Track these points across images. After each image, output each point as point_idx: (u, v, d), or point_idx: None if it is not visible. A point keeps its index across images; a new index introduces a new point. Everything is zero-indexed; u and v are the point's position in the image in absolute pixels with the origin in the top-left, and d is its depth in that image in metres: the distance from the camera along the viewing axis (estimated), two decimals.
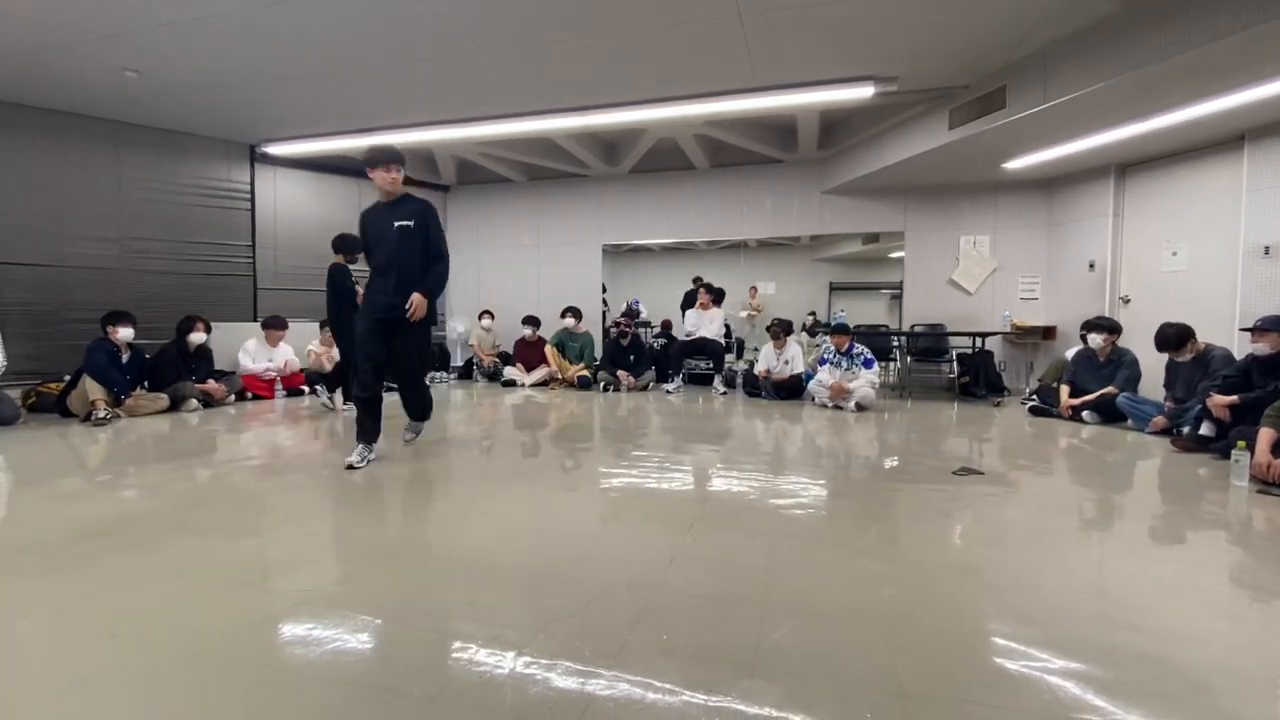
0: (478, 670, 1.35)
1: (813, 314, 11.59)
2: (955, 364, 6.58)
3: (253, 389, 5.69)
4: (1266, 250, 4.56)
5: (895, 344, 7.29)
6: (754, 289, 10.60)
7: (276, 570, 1.92)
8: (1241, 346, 4.22)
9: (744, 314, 10.54)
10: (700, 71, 4.60)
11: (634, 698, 1.26)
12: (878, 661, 1.40)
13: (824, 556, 2.05)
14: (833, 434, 4.31)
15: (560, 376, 6.94)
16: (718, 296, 7.23)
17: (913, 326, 6.87)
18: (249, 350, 5.79)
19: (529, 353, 7.19)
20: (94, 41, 4.14)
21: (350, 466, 3.12)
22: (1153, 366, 4.65)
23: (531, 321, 7.19)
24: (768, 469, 3.26)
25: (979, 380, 6.06)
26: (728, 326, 9.75)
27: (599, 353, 7.32)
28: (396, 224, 3.30)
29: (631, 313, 8.12)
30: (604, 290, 8.38)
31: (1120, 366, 4.72)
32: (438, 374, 7.45)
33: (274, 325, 5.90)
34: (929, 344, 6.88)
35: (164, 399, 4.91)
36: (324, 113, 5.55)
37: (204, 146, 6.22)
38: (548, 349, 7.08)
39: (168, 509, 2.51)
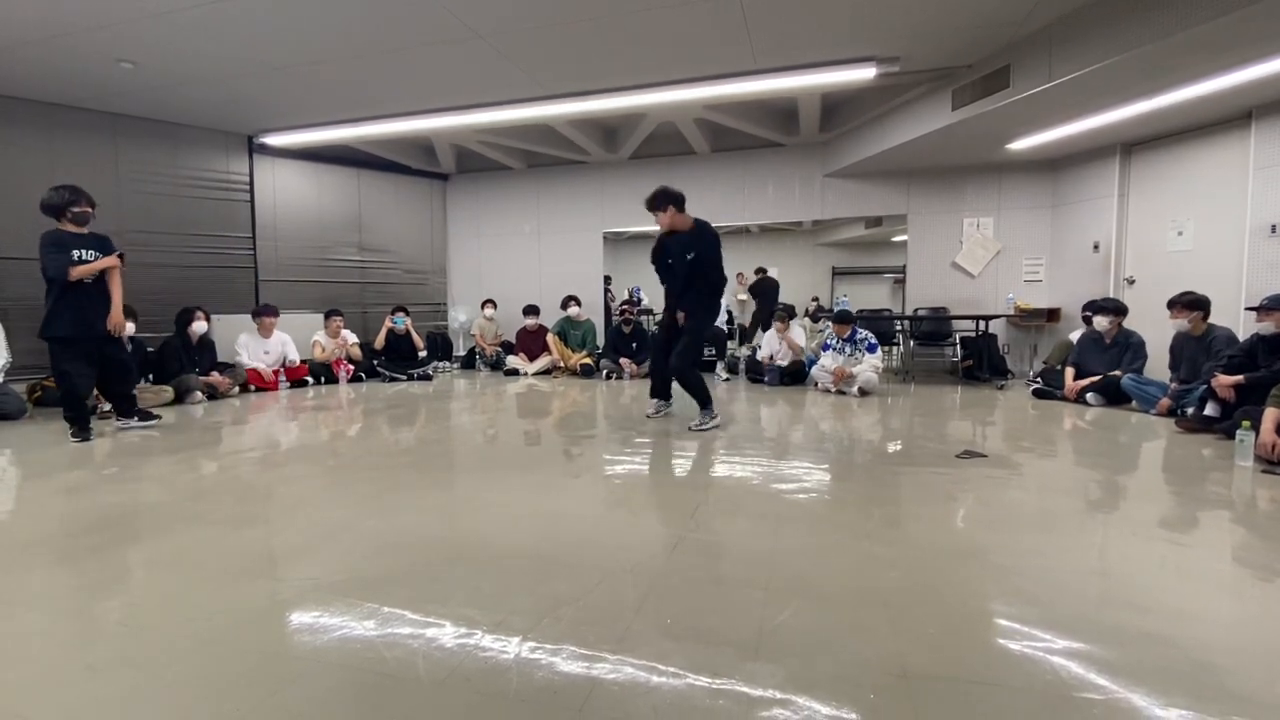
0: (483, 655, 1.36)
1: (815, 299, 11.55)
2: (958, 347, 6.56)
3: (256, 383, 5.70)
4: (1273, 229, 4.52)
5: (898, 328, 7.26)
6: (740, 275, 10.54)
7: (283, 559, 1.94)
8: (1247, 326, 4.20)
9: (741, 297, 10.49)
10: (700, 54, 4.54)
11: (638, 681, 1.27)
12: (881, 643, 1.41)
13: (827, 540, 2.05)
14: (836, 419, 4.31)
15: (563, 365, 6.94)
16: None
17: (916, 310, 6.84)
18: (244, 345, 5.80)
19: (531, 341, 7.19)
20: (89, 33, 4.11)
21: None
22: (1158, 348, 4.63)
23: (533, 310, 7.19)
24: (771, 454, 3.27)
25: (982, 364, 6.04)
26: (730, 313, 9.75)
27: (601, 341, 7.31)
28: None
29: (633, 300, 8.11)
30: (608, 282, 8.34)
31: (1126, 349, 4.70)
32: (441, 364, 7.46)
33: (265, 314, 5.90)
34: (932, 328, 6.86)
35: (168, 391, 4.93)
36: (321, 102, 5.52)
37: (202, 138, 6.19)
38: (550, 337, 7.08)
39: (174, 500, 2.53)
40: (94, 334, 3.72)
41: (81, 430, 3.70)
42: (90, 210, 3.76)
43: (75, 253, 3.63)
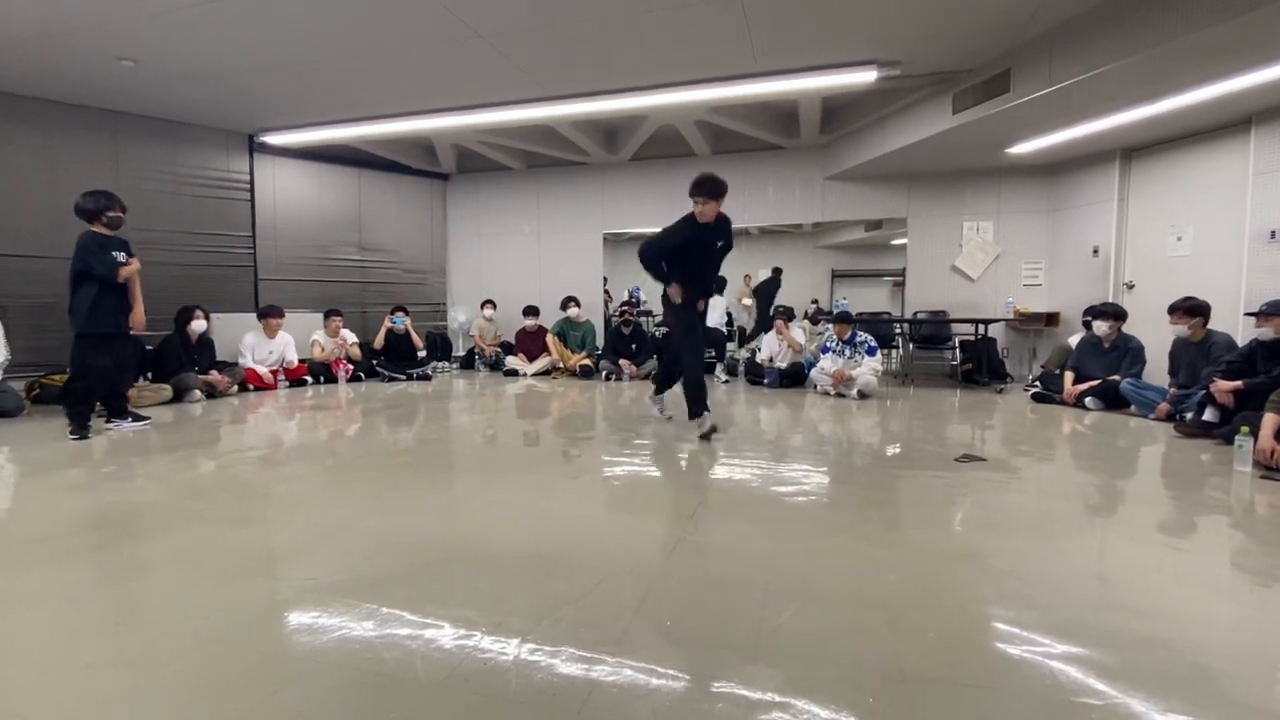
0: (482, 657, 1.36)
1: (815, 301, 11.57)
2: (958, 351, 6.56)
3: (255, 382, 5.70)
4: (1273, 234, 4.53)
5: (898, 331, 7.27)
6: (747, 277, 10.57)
7: (282, 559, 1.93)
8: (1246, 331, 4.21)
9: (746, 301, 10.54)
10: (701, 57, 4.55)
11: (637, 683, 1.26)
12: (880, 646, 1.41)
13: (826, 543, 2.05)
14: (835, 421, 4.31)
15: (562, 366, 6.94)
16: (719, 285, 7.21)
17: (915, 313, 6.85)
18: (249, 345, 5.81)
19: (531, 342, 7.19)
20: (89, 30, 4.10)
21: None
22: (1157, 353, 4.63)
23: (532, 311, 7.19)
24: (770, 456, 3.27)
25: (981, 367, 6.04)
26: (729, 315, 9.76)
27: (600, 342, 7.31)
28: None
29: (633, 301, 8.10)
30: (604, 283, 8.35)
31: (1125, 353, 4.71)
32: (440, 364, 7.46)
33: (271, 314, 5.91)
34: (931, 331, 6.86)
35: (167, 390, 4.93)
36: (322, 102, 5.52)
37: (202, 136, 6.18)
38: (549, 338, 7.07)
39: (173, 499, 2.52)
40: (123, 331, 3.95)
41: (81, 428, 3.74)
42: (123, 215, 3.96)
43: (114, 254, 3.84)
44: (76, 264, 3.78)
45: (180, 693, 1.24)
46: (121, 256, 3.86)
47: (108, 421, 4.02)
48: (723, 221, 3.85)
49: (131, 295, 3.95)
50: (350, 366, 6.40)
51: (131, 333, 4.01)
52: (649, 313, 9.08)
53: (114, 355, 3.92)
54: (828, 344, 5.62)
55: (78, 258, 3.77)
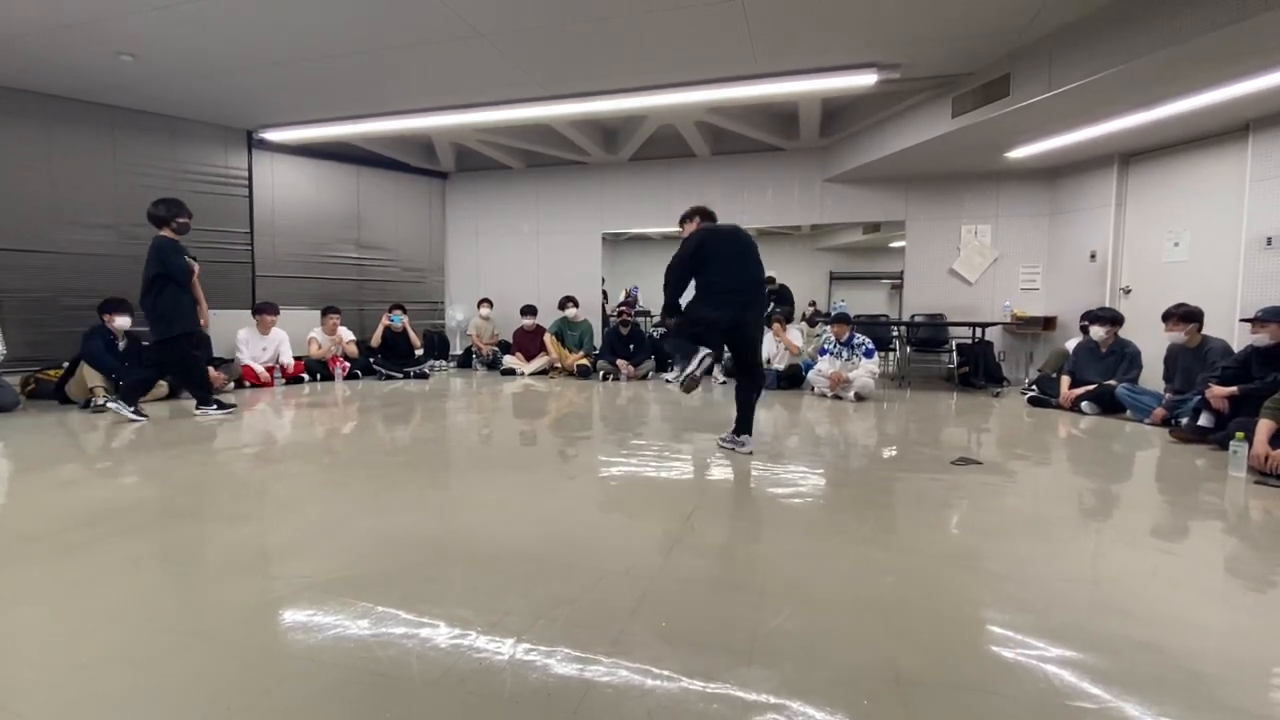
0: (477, 656, 1.36)
1: (813, 304, 11.58)
2: (955, 354, 6.58)
3: (251, 379, 5.68)
4: (1269, 241, 4.55)
5: (895, 334, 7.28)
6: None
7: (277, 556, 1.93)
8: (1242, 338, 4.23)
9: None
10: (702, 58, 4.55)
11: (632, 684, 1.26)
12: (875, 649, 1.41)
13: (822, 545, 2.05)
14: (832, 423, 4.32)
15: (560, 365, 6.93)
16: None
17: (913, 316, 6.86)
18: (242, 340, 5.80)
19: (528, 341, 7.18)
20: (89, 25, 4.09)
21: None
22: (1153, 358, 4.65)
23: (530, 310, 7.18)
24: (767, 458, 3.27)
25: (978, 370, 6.06)
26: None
27: (598, 341, 7.31)
28: None
29: (631, 300, 8.10)
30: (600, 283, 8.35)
31: (1122, 358, 4.72)
32: (437, 362, 7.45)
33: (266, 311, 5.89)
34: (929, 334, 6.87)
35: (163, 386, 4.91)
36: (321, 98, 5.50)
37: (201, 132, 6.16)
38: (547, 338, 7.07)
39: (168, 495, 2.51)
40: (199, 329, 4.45)
41: (211, 400, 4.32)
42: (190, 221, 4.32)
43: (185, 258, 4.20)
44: (155, 267, 4.06)
45: (175, 691, 1.24)
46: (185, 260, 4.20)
47: (114, 401, 4.18)
48: None
49: (196, 296, 4.29)
50: (347, 364, 6.39)
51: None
52: (646, 313, 9.09)
53: (193, 346, 4.42)
54: (825, 346, 5.63)
55: (157, 261, 4.07)
